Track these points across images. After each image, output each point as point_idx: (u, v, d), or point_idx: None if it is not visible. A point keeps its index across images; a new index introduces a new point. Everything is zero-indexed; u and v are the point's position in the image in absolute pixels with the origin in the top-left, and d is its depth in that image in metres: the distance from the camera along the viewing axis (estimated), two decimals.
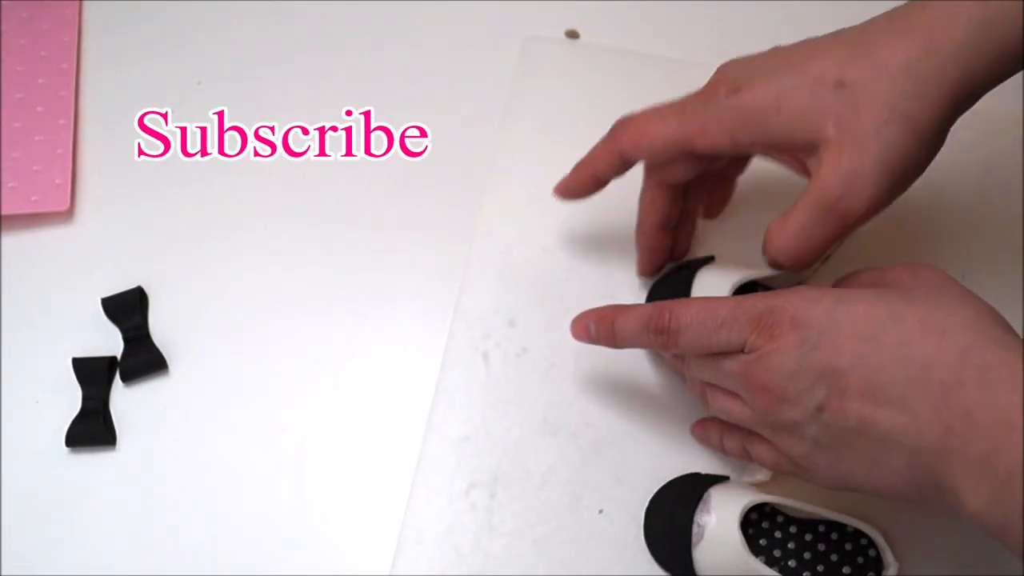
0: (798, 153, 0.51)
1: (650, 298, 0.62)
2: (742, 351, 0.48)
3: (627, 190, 0.66)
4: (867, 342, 0.45)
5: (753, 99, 0.50)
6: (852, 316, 0.45)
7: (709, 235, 0.64)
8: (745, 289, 0.61)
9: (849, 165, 0.48)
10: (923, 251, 0.63)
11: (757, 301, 0.49)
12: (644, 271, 0.62)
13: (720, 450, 0.56)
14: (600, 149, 0.57)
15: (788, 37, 0.71)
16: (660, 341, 0.51)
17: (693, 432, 0.58)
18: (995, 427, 0.41)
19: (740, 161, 0.59)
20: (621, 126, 0.56)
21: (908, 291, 0.47)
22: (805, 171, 0.52)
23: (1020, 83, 0.67)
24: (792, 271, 0.54)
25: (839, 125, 0.48)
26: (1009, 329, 0.45)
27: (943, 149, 0.65)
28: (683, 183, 0.57)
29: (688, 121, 0.53)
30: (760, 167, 0.67)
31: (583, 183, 0.58)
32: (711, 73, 0.69)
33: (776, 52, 0.52)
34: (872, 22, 0.51)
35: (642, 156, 0.55)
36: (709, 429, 0.57)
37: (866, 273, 0.51)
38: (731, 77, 0.52)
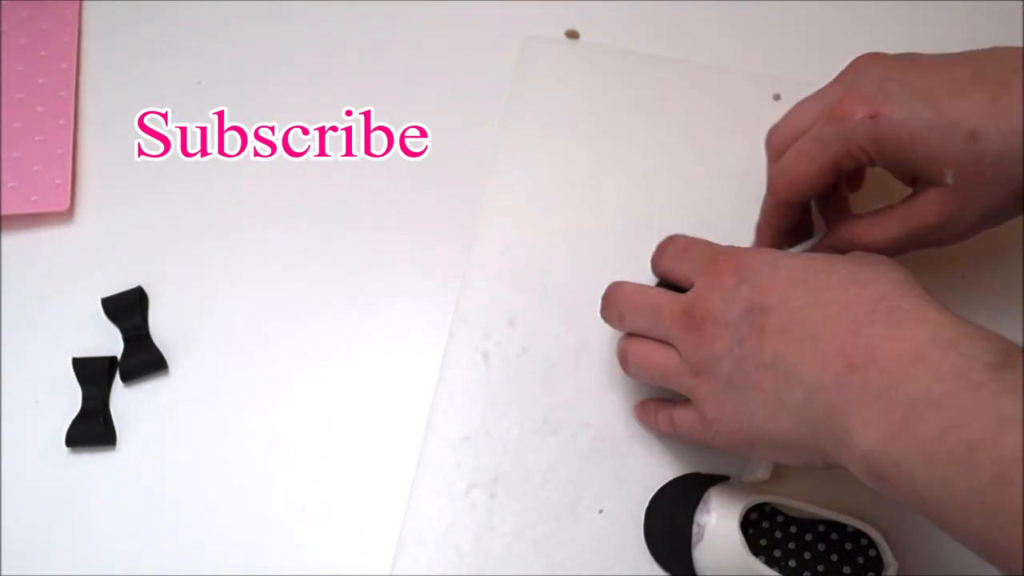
0: (916, 181, 0.53)
1: None
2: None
3: (627, 190, 0.66)
4: (797, 285, 0.48)
5: (890, 130, 0.51)
6: (791, 264, 0.49)
7: (709, 233, 0.64)
8: None
9: (952, 211, 0.51)
10: (923, 251, 0.63)
11: (708, 248, 0.54)
12: None
13: (656, 427, 0.58)
14: (767, 209, 0.59)
15: (788, 37, 0.71)
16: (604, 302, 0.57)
17: (635, 415, 0.60)
18: (896, 361, 0.42)
19: None
20: (774, 178, 0.58)
21: (850, 257, 0.50)
22: (912, 184, 0.54)
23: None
24: None
25: (958, 178, 0.50)
26: (930, 294, 0.47)
27: None
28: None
29: (828, 151, 0.54)
30: (760, 168, 0.67)
31: (773, 241, 0.60)
32: (711, 73, 0.69)
33: (912, 65, 0.52)
34: (1009, 54, 0.51)
35: (804, 198, 0.56)
36: (647, 407, 0.59)
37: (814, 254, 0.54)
38: (869, 94, 0.52)
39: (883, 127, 0.51)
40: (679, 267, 0.55)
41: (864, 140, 0.52)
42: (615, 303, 0.56)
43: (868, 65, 0.54)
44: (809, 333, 0.46)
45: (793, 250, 0.58)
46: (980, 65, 0.51)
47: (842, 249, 0.55)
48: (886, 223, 0.54)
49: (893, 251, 0.53)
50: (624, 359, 0.56)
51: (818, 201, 0.59)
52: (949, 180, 0.50)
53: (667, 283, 0.57)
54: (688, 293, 0.52)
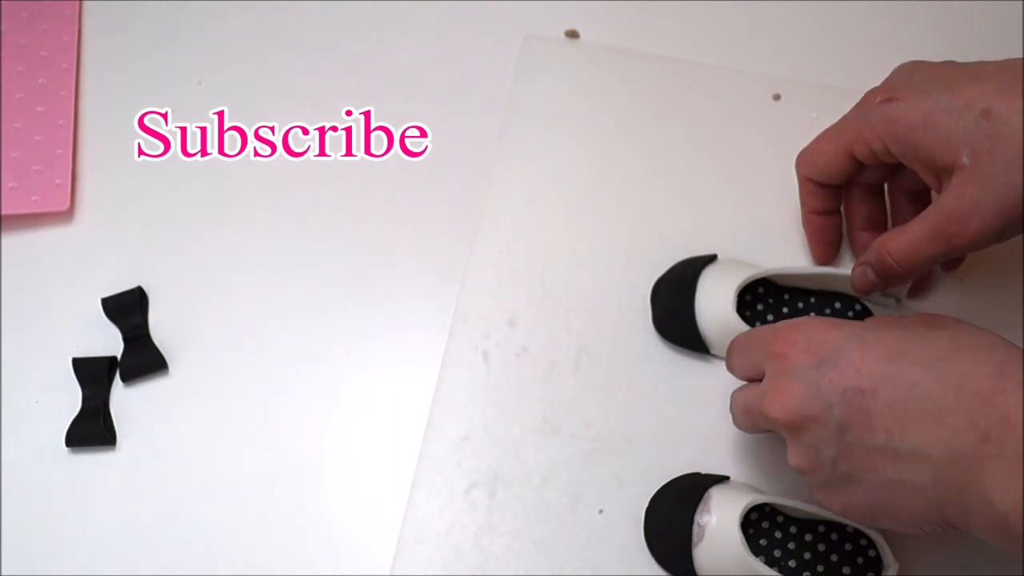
0: (936, 172, 0.52)
1: (654, 297, 0.62)
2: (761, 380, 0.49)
3: (627, 190, 0.66)
4: (897, 360, 0.45)
5: (904, 111, 0.51)
6: (880, 338, 0.46)
7: (710, 233, 0.64)
8: (750, 288, 0.61)
9: (971, 195, 0.50)
10: None
11: (766, 330, 0.51)
12: (820, 258, 0.62)
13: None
14: (799, 191, 0.60)
15: (788, 37, 0.71)
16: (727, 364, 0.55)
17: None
18: None
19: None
20: (799, 155, 0.59)
21: (930, 322, 0.48)
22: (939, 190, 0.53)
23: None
24: (892, 286, 0.56)
25: (974, 156, 0.49)
26: None
27: None
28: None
29: (844, 132, 0.55)
30: (760, 167, 0.67)
31: (811, 223, 0.60)
32: (711, 73, 0.69)
33: (947, 66, 0.53)
34: None
35: (817, 174, 0.57)
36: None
37: (880, 318, 0.53)
38: (892, 84, 0.53)
39: (896, 108, 0.51)
40: (745, 362, 0.52)
41: (878, 123, 0.52)
42: (734, 416, 0.54)
43: (904, 66, 0.55)
44: (929, 409, 0.43)
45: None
46: (1011, 63, 0.51)
47: (875, 265, 0.54)
48: (911, 224, 0.53)
49: (921, 258, 0.52)
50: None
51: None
52: (965, 160, 0.49)
53: None
54: (760, 386, 0.49)
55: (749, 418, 0.52)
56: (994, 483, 0.42)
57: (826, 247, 0.62)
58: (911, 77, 0.53)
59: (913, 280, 0.60)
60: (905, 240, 0.53)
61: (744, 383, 0.54)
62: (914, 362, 0.45)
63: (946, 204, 0.51)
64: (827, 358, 0.46)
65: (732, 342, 0.54)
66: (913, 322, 0.48)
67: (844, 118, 0.56)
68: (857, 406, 0.45)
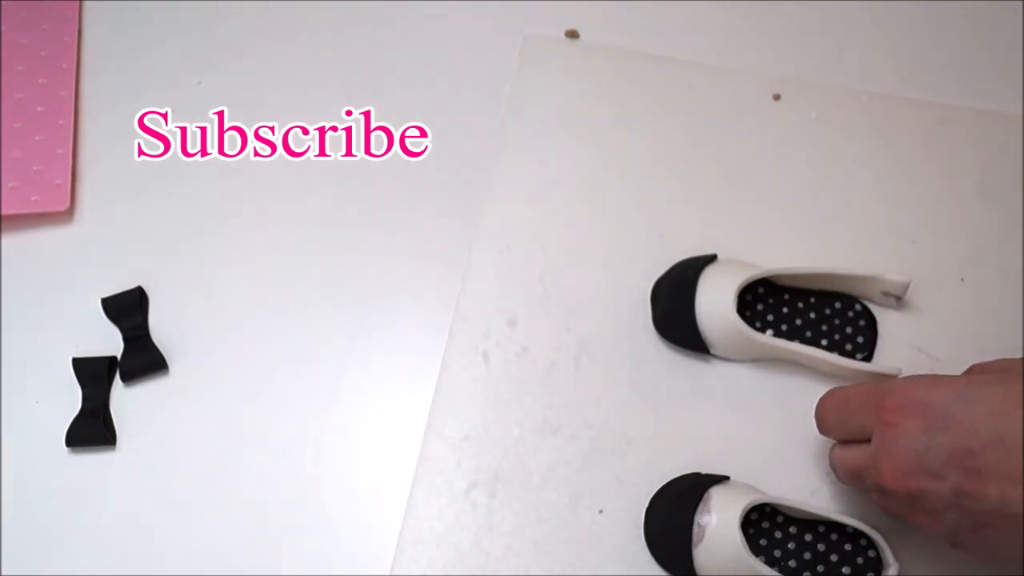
0: None
1: (654, 296, 0.62)
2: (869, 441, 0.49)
3: (627, 190, 0.66)
4: (1003, 417, 0.44)
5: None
6: (986, 395, 0.45)
7: (710, 233, 0.64)
8: (750, 289, 0.61)
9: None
10: (923, 252, 0.63)
11: (867, 392, 0.49)
12: None
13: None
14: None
15: (788, 37, 0.71)
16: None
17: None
18: None
19: None
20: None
21: None
22: None
23: (1020, 84, 0.67)
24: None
25: None
26: None
27: (941, 151, 0.65)
28: None
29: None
30: (760, 167, 0.67)
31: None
32: (711, 73, 0.69)
33: None
34: None
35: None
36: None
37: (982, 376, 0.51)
38: None
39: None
40: (848, 428, 0.51)
41: None
42: (835, 469, 0.53)
43: None
44: None
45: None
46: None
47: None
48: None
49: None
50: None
51: None
52: None
53: None
54: (871, 452, 0.48)
55: (861, 483, 0.51)
56: None
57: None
58: None
59: None
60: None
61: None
62: (1004, 413, 0.43)
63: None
64: (935, 420, 0.45)
65: (824, 405, 0.53)
66: (1016, 377, 0.46)
67: None
68: (969, 468, 0.44)
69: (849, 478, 0.52)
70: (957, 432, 0.44)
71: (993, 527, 0.45)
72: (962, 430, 0.44)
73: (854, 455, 0.51)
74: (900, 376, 0.50)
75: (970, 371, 0.52)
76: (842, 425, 0.52)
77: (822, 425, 0.53)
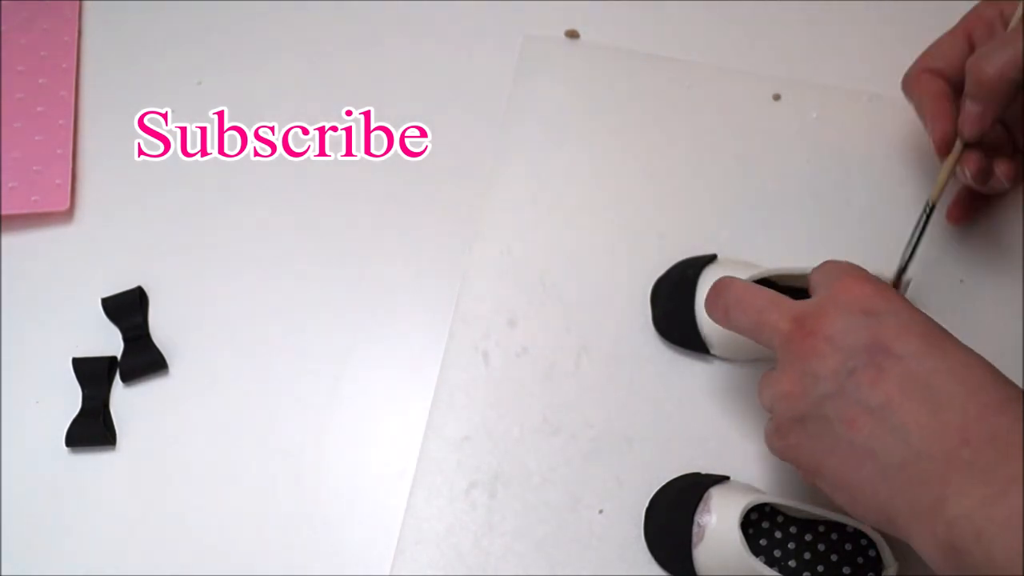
0: None
1: (654, 295, 0.62)
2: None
3: (627, 190, 0.66)
4: (936, 345, 0.45)
5: None
6: (932, 321, 0.46)
7: (710, 233, 0.64)
8: None
9: None
10: (922, 256, 0.63)
11: (839, 263, 0.50)
12: (940, 142, 0.58)
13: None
14: (912, 91, 0.59)
15: (788, 37, 0.71)
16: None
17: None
18: (1014, 448, 0.41)
19: None
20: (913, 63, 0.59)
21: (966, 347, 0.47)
22: None
23: None
24: None
25: None
26: None
27: None
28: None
29: (965, 19, 0.57)
30: (760, 167, 0.67)
31: (932, 104, 0.58)
32: (711, 73, 0.69)
33: None
34: None
35: (934, 60, 0.58)
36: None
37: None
38: None
39: None
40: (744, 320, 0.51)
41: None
42: (722, 297, 0.52)
43: None
44: (933, 398, 0.44)
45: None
46: None
47: (971, 84, 0.53)
48: (1008, 35, 0.53)
49: (1021, 65, 0.51)
50: (716, 300, 0.53)
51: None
52: None
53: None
54: (806, 301, 0.49)
55: (754, 317, 0.50)
56: (953, 488, 0.42)
57: (948, 124, 0.57)
58: None
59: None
60: (995, 41, 0.53)
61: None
62: (948, 355, 0.45)
63: None
64: (878, 311, 0.46)
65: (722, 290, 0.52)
66: (950, 349, 0.47)
67: (961, 19, 0.57)
68: (876, 362, 0.45)
69: (744, 315, 0.51)
70: (888, 327, 0.45)
71: (851, 426, 0.45)
72: (893, 329, 0.45)
73: (768, 293, 0.51)
74: None
75: None
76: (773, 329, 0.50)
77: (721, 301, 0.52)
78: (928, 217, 0.57)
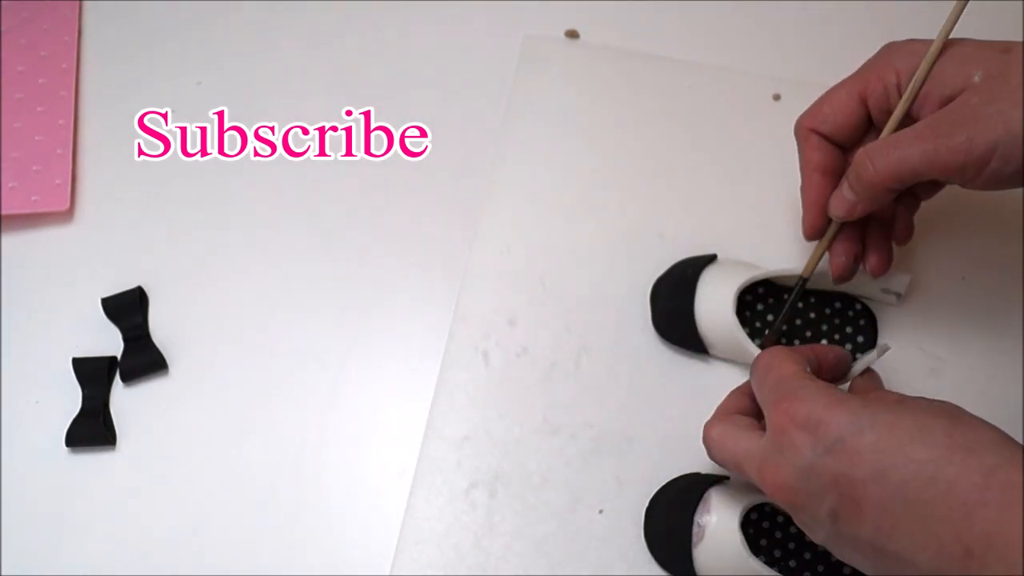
0: (945, 102, 0.51)
1: (654, 296, 0.62)
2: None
3: (627, 190, 0.66)
4: (889, 453, 0.43)
5: (926, 45, 0.52)
6: (876, 424, 0.44)
7: (710, 233, 0.64)
8: (750, 289, 0.61)
9: (973, 104, 0.49)
10: (923, 253, 0.63)
11: (774, 386, 0.49)
12: (810, 230, 0.58)
13: None
14: (800, 149, 0.57)
15: (788, 37, 0.71)
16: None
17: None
18: (1013, 549, 0.40)
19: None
20: (804, 113, 0.56)
21: (929, 407, 0.46)
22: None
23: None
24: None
25: (986, 76, 0.49)
26: None
27: None
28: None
29: (863, 74, 0.54)
30: (760, 167, 0.67)
31: (811, 182, 0.56)
32: (711, 73, 0.69)
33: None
34: None
35: (821, 122, 0.55)
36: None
37: (880, 394, 0.51)
38: (908, 42, 0.54)
39: (920, 45, 0.52)
40: (756, 396, 0.51)
41: (899, 59, 0.52)
42: (708, 448, 0.52)
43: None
44: (918, 514, 0.42)
45: (856, 365, 0.55)
46: None
47: (852, 175, 0.52)
48: (903, 136, 0.51)
49: (901, 163, 0.50)
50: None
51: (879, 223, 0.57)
52: (976, 78, 0.49)
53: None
54: (760, 449, 0.48)
55: (738, 472, 0.50)
56: None
57: (818, 216, 0.56)
58: (921, 41, 0.53)
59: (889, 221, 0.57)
60: (889, 140, 0.51)
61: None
62: (907, 459, 0.43)
63: (944, 111, 0.50)
64: (823, 442, 0.45)
65: (758, 361, 0.52)
66: (913, 407, 0.46)
67: (858, 70, 0.55)
68: (849, 496, 0.44)
69: (727, 464, 0.51)
70: (843, 458, 0.44)
71: (861, 553, 0.45)
72: (848, 457, 0.44)
73: (736, 444, 0.50)
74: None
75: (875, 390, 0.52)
76: (757, 390, 0.51)
77: (753, 374, 0.52)
78: (800, 289, 0.58)
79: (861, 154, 0.52)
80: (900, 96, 0.52)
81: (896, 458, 0.43)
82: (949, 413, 0.45)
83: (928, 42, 0.52)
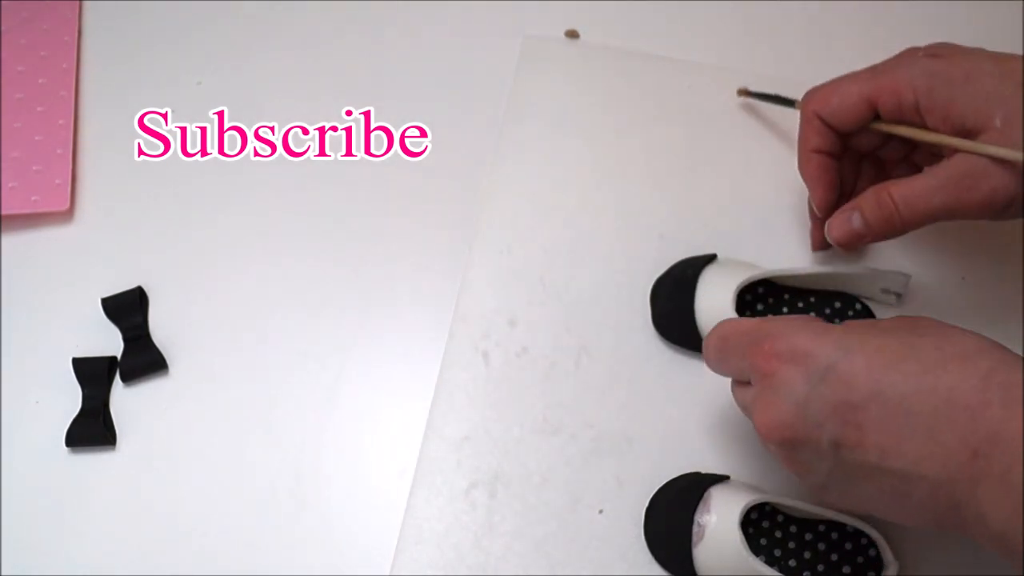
0: (961, 133, 0.51)
1: (654, 295, 0.62)
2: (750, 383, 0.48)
3: (627, 190, 0.66)
4: (885, 372, 0.43)
5: (947, 67, 0.51)
6: (865, 347, 0.44)
7: (710, 233, 0.64)
8: (749, 289, 0.61)
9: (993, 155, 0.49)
10: (923, 253, 0.63)
11: (744, 334, 0.48)
12: (822, 203, 0.59)
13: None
14: (801, 127, 0.57)
15: (788, 37, 0.71)
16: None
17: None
18: (1016, 444, 0.40)
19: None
20: (810, 91, 0.57)
21: (912, 327, 0.46)
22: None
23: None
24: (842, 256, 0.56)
25: (1006, 121, 0.49)
26: (1018, 356, 0.44)
27: None
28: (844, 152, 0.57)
29: (879, 78, 0.53)
30: (760, 167, 0.67)
31: (810, 162, 0.57)
32: (711, 73, 0.69)
33: (983, 50, 0.53)
34: None
35: (829, 113, 0.55)
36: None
37: (860, 322, 0.51)
38: (935, 46, 0.53)
39: (939, 63, 0.51)
40: (728, 367, 0.50)
41: (918, 75, 0.51)
42: (708, 345, 0.52)
43: (941, 43, 0.54)
44: (921, 425, 0.42)
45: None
46: None
47: (868, 209, 0.53)
48: (918, 176, 0.52)
49: (924, 209, 0.51)
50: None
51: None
52: (998, 123, 0.49)
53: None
54: (751, 395, 0.48)
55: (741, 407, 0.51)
56: (987, 501, 0.41)
57: (827, 190, 0.57)
58: (953, 46, 0.53)
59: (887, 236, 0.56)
60: (914, 187, 0.52)
61: None
62: (903, 374, 0.43)
63: (964, 159, 0.50)
64: (815, 372, 0.44)
65: (707, 342, 0.51)
66: (895, 327, 0.46)
67: (876, 66, 0.55)
68: (849, 421, 0.44)
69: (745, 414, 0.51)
70: (838, 384, 0.44)
71: (867, 480, 0.45)
72: (843, 383, 0.44)
73: (742, 396, 0.50)
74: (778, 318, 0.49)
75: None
76: (722, 363, 0.50)
77: (707, 361, 0.51)
78: None
79: (885, 197, 0.52)
80: (913, 113, 0.53)
81: (892, 375, 0.43)
82: (935, 329, 0.45)
83: (947, 59, 0.51)
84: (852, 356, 0.44)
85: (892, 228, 0.53)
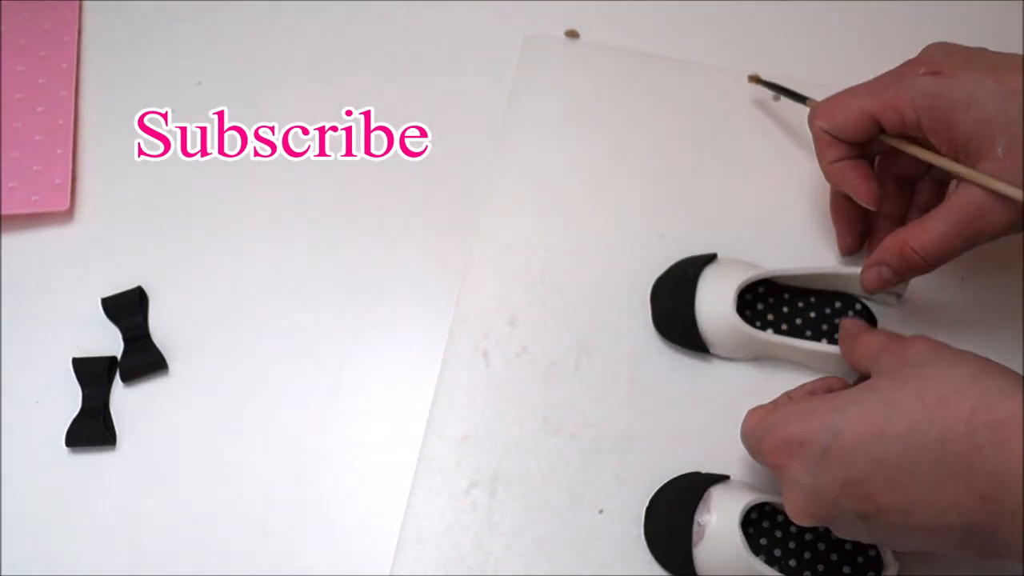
0: (964, 156, 0.52)
1: (654, 295, 0.62)
2: None
3: (627, 190, 0.66)
4: (875, 442, 0.44)
5: (948, 88, 0.51)
6: (850, 421, 0.45)
7: (710, 233, 0.64)
8: (750, 288, 0.61)
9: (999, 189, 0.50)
10: None
11: (752, 435, 0.50)
12: (846, 249, 0.62)
13: None
14: (815, 144, 0.58)
15: (788, 37, 0.71)
16: None
17: None
18: (1018, 479, 0.41)
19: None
20: (813, 109, 0.57)
21: (896, 372, 0.46)
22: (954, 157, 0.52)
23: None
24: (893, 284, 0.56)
25: (1009, 148, 0.49)
26: (1006, 373, 0.44)
27: None
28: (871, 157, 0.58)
29: (880, 94, 0.54)
30: (760, 167, 0.67)
31: (833, 172, 0.57)
32: (711, 73, 0.69)
33: (983, 51, 0.53)
34: None
35: (835, 128, 0.56)
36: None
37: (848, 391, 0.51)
38: (934, 59, 0.52)
39: (941, 84, 0.51)
40: (760, 464, 0.51)
41: (919, 95, 0.51)
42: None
43: (936, 45, 0.54)
44: (927, 481, 0.43)
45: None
46: None
47: (895, 263, 0.54)
48: (932, 222, 0.52)
49: (948, 253, 0.53)
50: None
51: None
52: (1000, 151, 0.49)
53: None
54: (783, 492, 0.49)
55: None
56: (1010, 535, 0.42)
57: (853, 237, 0.61)
58: (951, 56, 0.52)
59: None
60: (931, 236, 0.52)
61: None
62: (892, 438, 0.44)
63: (970, 192, 0.51)
64: (811, 461, 0.46)
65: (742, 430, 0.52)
66: (877, 383, 0.47)
67: (877, 81, 0.55)
68: (859, 495, 0.45)
69: None
70: (836, 467, 0.45)
71: (905, 536, 0.45)
72: (840, 464, 0.45)
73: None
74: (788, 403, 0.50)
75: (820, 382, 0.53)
76: (755, 460, 0.52)
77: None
78: None
79: (908, 251, 0.53)
80: (916, 129, 0.53)
81: (882, 444, 0.44)
82: (916, 370, 0.45)
83: (948, 77, 0.51)
84: (841, 436, 0.45)
85: (921, 271, 0.55)
